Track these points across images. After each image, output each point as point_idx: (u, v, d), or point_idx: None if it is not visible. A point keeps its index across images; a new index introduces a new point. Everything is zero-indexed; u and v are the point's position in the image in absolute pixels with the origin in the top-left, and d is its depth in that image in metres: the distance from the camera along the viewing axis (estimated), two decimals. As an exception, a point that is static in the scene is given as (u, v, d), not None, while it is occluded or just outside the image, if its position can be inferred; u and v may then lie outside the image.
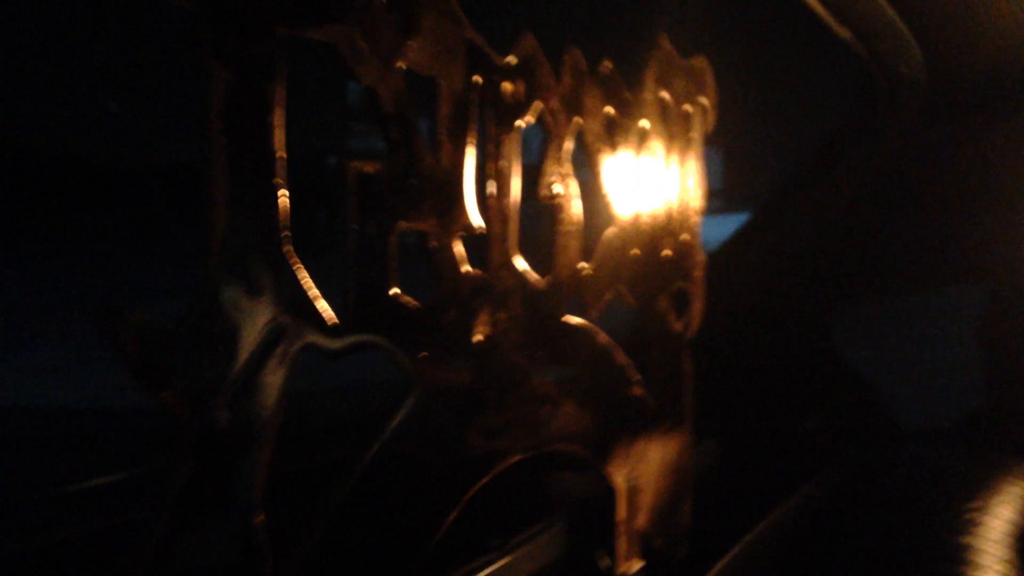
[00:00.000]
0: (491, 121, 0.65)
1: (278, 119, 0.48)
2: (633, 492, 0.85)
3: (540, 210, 0.73)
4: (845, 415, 1.73)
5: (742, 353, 1.66)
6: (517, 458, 0.70)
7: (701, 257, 0.94)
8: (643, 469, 0.86)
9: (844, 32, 1.14)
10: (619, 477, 0.83)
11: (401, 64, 0.56)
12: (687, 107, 0.89)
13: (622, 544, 0.84)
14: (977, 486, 1.27)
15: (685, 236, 0.90)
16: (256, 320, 0.48)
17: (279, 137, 0.48)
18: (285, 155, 0.49)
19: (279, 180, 0.48)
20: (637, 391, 0.84)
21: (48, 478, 1.06)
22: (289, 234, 0.49)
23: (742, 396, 1.64)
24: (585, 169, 0.78)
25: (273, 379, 0.49)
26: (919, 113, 1.32)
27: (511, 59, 0.66)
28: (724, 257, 1.60)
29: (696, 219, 0.93)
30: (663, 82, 0.85)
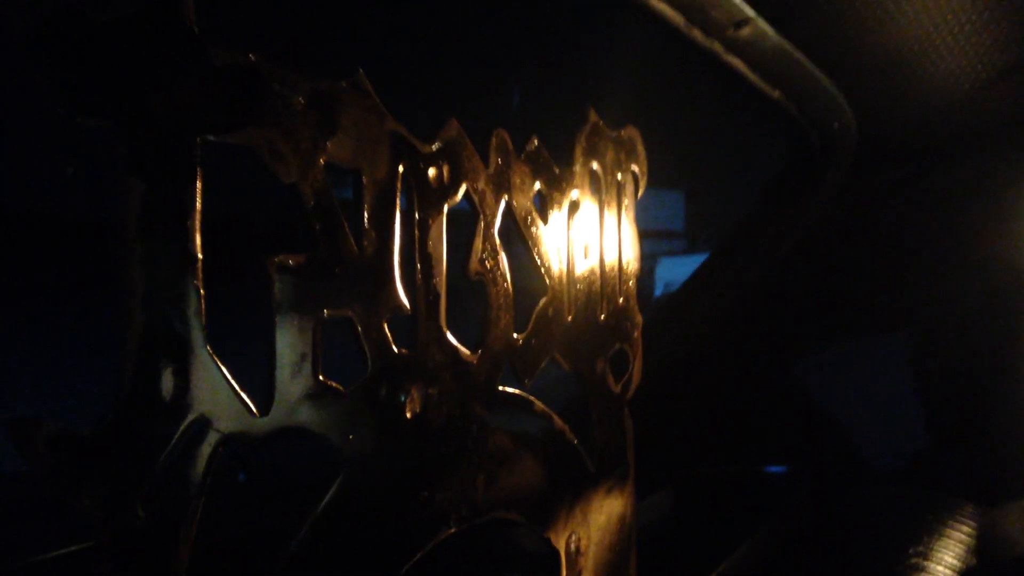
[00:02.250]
0: (416, 205, 0.67)
1: (196, 222, 0.50)
2: (575, 554, 0.86)
3: (472, 285, 0.76)
4: (804, 456, 1.76)
5: (700, 396, 1.69)
6: (453, 531, 0.71)
7: (639, 319, 0.97)
8: (585, 531, 0.87)
9: (775, 93, 1.19)
10: (560, 541, 0.84)
11: (322, 160, 0.59)
12: (619, 175, 0.93)
13: (566, 607, 0.85)
14: (923, 530, 1.30)
15: (621, 300, 0.93)
16: (175, 419, 0.49)
17: (196, 240, 0.50)
18: (201, 256, 0.50)
19: (197, 283, 0.50)
20: (576, 455, 0.86)
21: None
22: (205, 333, 0.51)
23: (699, 441, 1.66)
24: (517, 241, 0.81)
25: (193, 475, 0.50)
26: (852, 166, 1.37)
27: (435, 145, 0.69)
28: (679, 301, 1.63)
29: (632, 282, 0.96)
30: (592, 153, 0.89)
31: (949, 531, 1.36)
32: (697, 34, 0.99)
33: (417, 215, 0.67)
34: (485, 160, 0.74)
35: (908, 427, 1.81)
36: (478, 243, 0.74)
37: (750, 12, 0.97)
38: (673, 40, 1.01)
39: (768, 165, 1.53)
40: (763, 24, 1.00)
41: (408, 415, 0.67)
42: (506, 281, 0.76)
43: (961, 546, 1.28)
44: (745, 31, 1.01)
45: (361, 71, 0.62)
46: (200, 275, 0.50)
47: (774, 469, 1.64)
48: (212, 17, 0.54)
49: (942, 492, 1.55)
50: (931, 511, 1.44)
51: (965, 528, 1.40)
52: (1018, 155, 1.40)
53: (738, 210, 1.63)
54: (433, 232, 0.69)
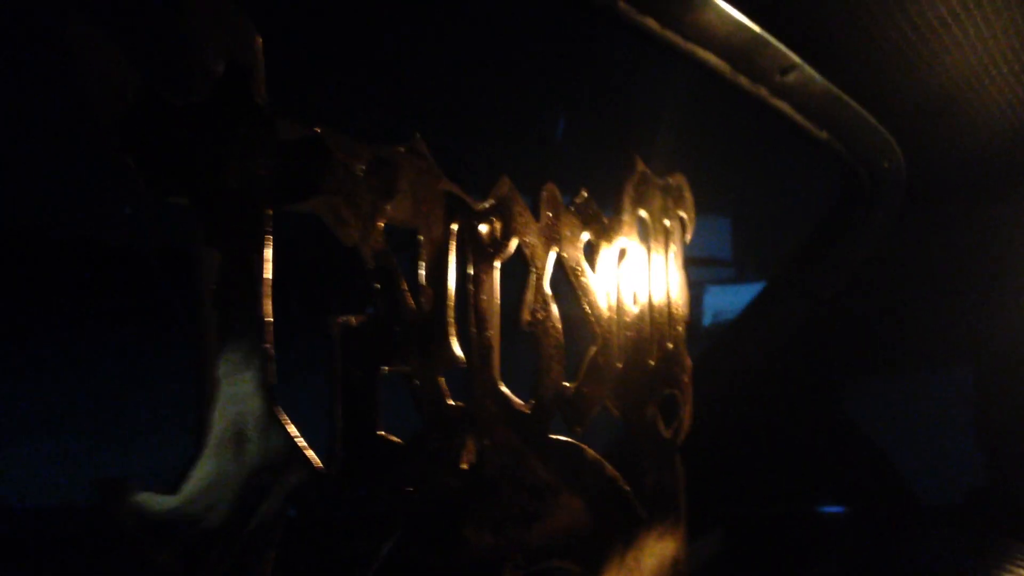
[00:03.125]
0: (470, 261, 0.70)
1: (266, 288, 0.53)
2: (628, 601, 0.86)
3: (525, 336, 0.78)
4: (859, 496, 1.73)
5: (753, 434, 1.67)
6: (507, 578, 0.73)
7: (688, 363, 0.97)
8: (637, 577, 0.88)
9: (823, 134, 1.19)
10: (613, 587, 0.85)
11: (382, 222, 0.61)
12: (666, 222, 0.94)
13: (619, 654, 0.85)
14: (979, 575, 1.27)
15: (670, 344, 0.94)
16: (248, 477, 0.52)
17: (267, 305, 0.53)
18: (271, 319, 0.53)
19: (267, 346, 0.53)
20: (628, 502, 0.86)
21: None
22: (274, 392, 0.53)
23: (753, 480, 1.64)
24: (568, 291, 0.83)
25: (263, 529, 0.52)
26: (902, 202, 1.36)
27: (487, 202, 0.71)
28: (731, 337, 1.63)
29: (681, 327, 0.96)
30: (640, 202, 0.90)
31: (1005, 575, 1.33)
32: (743, 80, 1.01)
33: (471, 271, 0.70)
34: (536, 214, 0.76)
35: (965, 466, 1.77)
36: (529, 295, 0.76)
37: (796, 59, 0.98)
38: (719, 86, 1.02)
39: (817, 192, 1.52)
40: (809, 70, 1.01)
41: (464, 466, 0.68)
42: (557, 331, 0.78)
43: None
44: (791, 76, 1.02)
45: (418, 135, 0.65)
46: (271, 337, 0.53)
47: (829, 509, 1.61)
48: (278, 90, 0.57)
49: (998, 534, 1.51)
50: (987, 555, 1.41)
51: (1022, 572, 1.37)
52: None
53: (787, 238, 1.63)
54: (486, 287, 0.71)
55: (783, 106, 1.09)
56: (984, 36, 1.03)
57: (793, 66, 0.99)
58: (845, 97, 1.08)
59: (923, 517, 1.74)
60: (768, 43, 0.93)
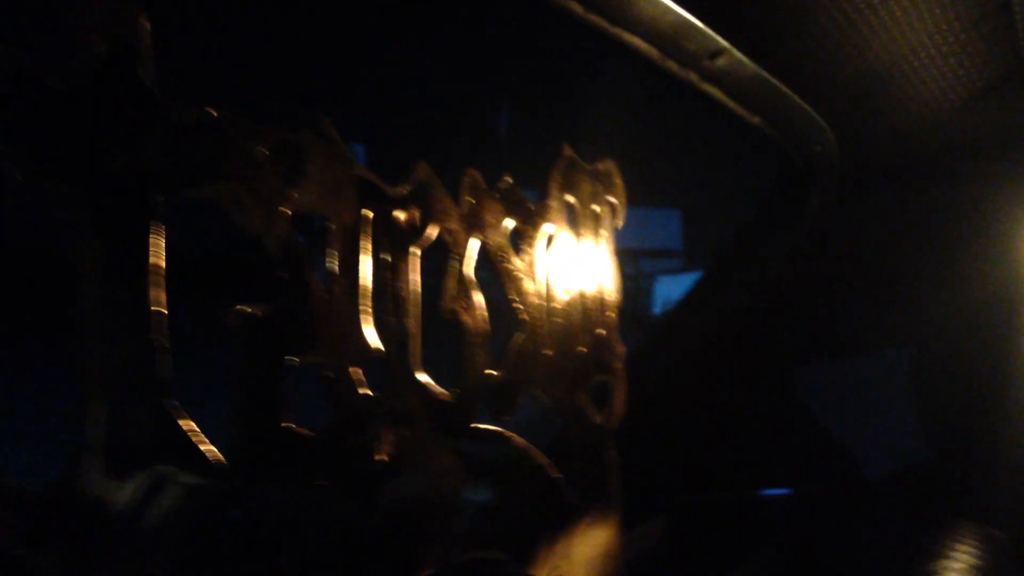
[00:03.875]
0: (386, 248, 0.68)
1: (156, 277, 0.51)
2: (560, 589, 0.86)
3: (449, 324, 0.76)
4: (803, 479, 1.75)
5: (695, 420, 1.68)
6: (431, 572, 0.72)
7: (621, 349, 0.97)
8: (568, 565, 0.87)
9: (755, 119, 1.20)
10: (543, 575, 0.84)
11: (287, 209, 0.60)
12: (596, 208, 0.93)
13: (551, 642, 0.85)
14: (924, 553, 1.29)
15: (601, 331, 0.94)
16: (139, 476, 0.50)
17: (159, 295, 0.51)
18: (165, 312, 0.51)
19: (159, 337, 0.51)
20: (558, 489, 0.86)
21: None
22: (170, 387, 0.51)
23: (696, 467, 1.65)
24: (494, 279, 0.82)
25: (160, 532, 0.51)
26: (838, 187, 1.38)
27: (403, 188, 0.70)
28: (671, 324, 1.63)
29: (613, 313, 0.96)
30: (568, 187, 0.89)
31: (950, 553, 1.35)
32: (672, 65, 1.00)
33: (388, 258, 0.68)
34: (457, 200, 0.75)
35: (909, 445, 1.80)
36: (451, 283, 0.75)
37: (724, 43, 0.98)
38: (650, 71, 1.02)
39: (764, 184, 1.53)
40: (738, 54, 1.01)
41: (381, 458, 0.67)
42: (481, 319, 0.77)
43: (962, 568, 1.27)
44: (720, 61, 1.01)
45: (325, 118, 0.63)
46: (164, 329, 0.51)
47: (773, 492, 1.63)
48: (175, 74, 0.55)
49: (944, 512, 1.54)
50: (932, 533, 1.43)
51: (966, 549, 1.39)
52: (1001, 173, 1.40)
53: (734, 228, 1.64)
54: (403, 274, 0.69)
55: (714, 91, 1.09)
56: (911, 19, 1.04)
57: (722, 51, 0.99)
58: (775, 81, 1.09)
59: (869, 498, 1.76)
60: (695, 27, 0.93)
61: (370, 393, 0.66)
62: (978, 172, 1.48)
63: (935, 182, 1.49)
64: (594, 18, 0.85)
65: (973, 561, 1.37)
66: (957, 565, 1.36)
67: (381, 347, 0.67)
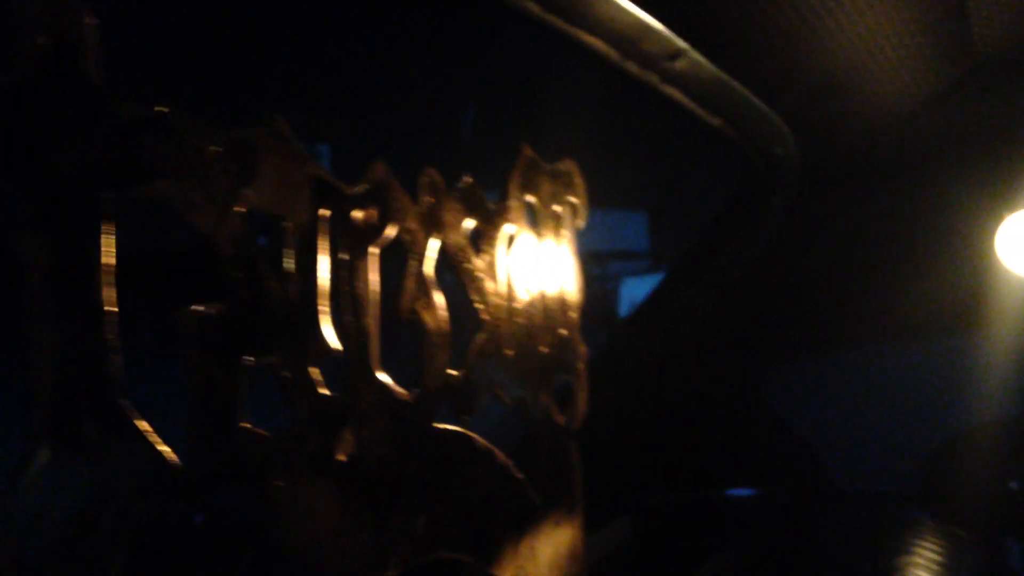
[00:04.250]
0: (344, 248, 0.68)
1: (106, 276, 0.50)
2: (524, 590, 0.86)
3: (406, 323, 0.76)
4: (770, 479, 1.77)
5: (661, 420, 1.69)
6: (393, 573, 0.71)
7: (583, 350, 0.97)
8: (533, 566, 0.87)
9: (716, 121, 1.21)
10: (507, 576, 0.84)
11: (241, 208, 0.59)
12: (556, 208, 0.94)
13: (516, 643, 0.85)
14: (889, 551, 1.31)
15: (563, 331, 0.94)
16: (90, 477, 0.49)
17: (108, 294, 0.50)
18: (115, 310, 0.50)
19: (112, 336, 0.50)
20: (520, 489, 0.86)
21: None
22: (122, 386, 0.51)
23: (662, 467, 1.66)
24: (453, 279, 0.81)
25: (112, 534, 0.50)
26: (800, 188, 1.40)
27: (360, 187, 0.69)
28: (637, 324, 1.64)
29: (575, 313, 0.96)
30: (528, 187, 0.90)
31: (917, 551, 1.37)
32: (632, 66, 1.01)
33: (345, 257, 0.68)
34: (416, 200, 0.75)
35: (876, 445, 1.83)
36: (410, 283, 0.74)
37: (683, 44, 0.99)
38: (610, 73, 1.02)
39: (727, 185, 1.55)
40: (696, 55, 1.02)
41: (340, 458, 0.66)
42: (441, 319, 0.77)
43: (929, 566, 1.29)
44: (680, 63, 1.02)
45: (279, 117, 0.63)
46: (114, 328, 0.50)
47: (738, 493, 1.64)
48: (125, 72, 0.55)
49: (910, 511, 1.56)
50: (898, 531, 1.45)
51: (932, 547, 1.41)
52: (963, 173, 1.43)
53: (698, 229, 1.65)
54: (361, 273, 0.69)
55: (675, 93, 1.10)
56: (868, 21, 1.06)
57: (681, 52, 1.00)
58: (734, 83, 1.10)
59: (834, 498, 1.78)
60: (654, 29, 0.94)
61: (328, 393, 0.66)
62: (940, 172, 1.51)
63: (898, 182, 1.52)
64: (551, 18, 0.86)
65: (937, 559, 1.38)
66: (920, 562, 1.37)
67: (340, 347, 0.67)
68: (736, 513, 1.61)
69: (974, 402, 1.65)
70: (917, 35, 1.13)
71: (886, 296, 1.66)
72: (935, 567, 1.37)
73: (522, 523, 0.86)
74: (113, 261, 0.51)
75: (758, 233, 1.45)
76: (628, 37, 0.95)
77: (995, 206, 1.46)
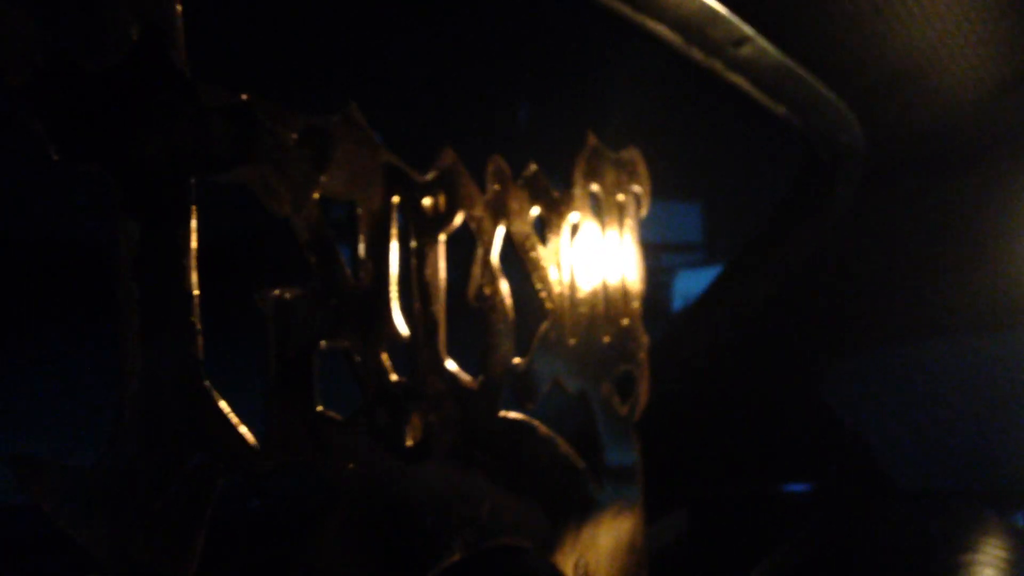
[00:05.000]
0: (413, 234, 0.68)
1: (191, 260, 0.51)
2: (585, 578, 0.86)
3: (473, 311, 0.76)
4: (835, 475, 1.74)
5: (718, 414, 1.67)
6: (457, 557, 0.72)
7: (645, 340, 0.97)
8: (593, 555, 0.87)
9: (780, 109, 1.19)
10: (568, 565, 0.84)
11: (316, 194, 0.60)
12: (620, 197, 0.93)
13: (576, 631, 0.85)
14: (958, 550, 1.28)
15: (625, 321, 0.93)
16: (174, 454, 0.50)
17: (192, 278, 0.51)
18: (197, 293, 0.52)
19: (194, 319, 0.51)
20: (582, 478, 0.86)
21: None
22: (203, 368, 0.52)
23: (719, 460, 1.65)
24: (518, 267, 0.82)
25: (194, 510, 0.51)
26: (864, 177, 1.37)
27: (430, 175, 0.70)
28: (694, 317, 1.63)
29: (637, 303, 0.96)
30: (593, 176, 0.89)
31: (982, 548, 1.34)
32: (696, 53, 1.00)
33: (414, 244, 0.68)
34: (482, 187, 0.75)
35: (936, 440, 1.79)
36: (476, 270, 0.75)
37: (749, 30, 0.97)
38: (673, 60, 1.01)
39: (787, 175, 1.52)
40: (763, 42, 1.00)
41: (409, 443, 0.67)
42: (506, 306, 0.77)
43: (995, 564, 1.25)
44: (745, 49, 1.01)
45: (354, 104, 0.64)
46: (197, 312, 0.52)
47: (795, 488, 1.62)
48: (206, 58, 0.56)
49: (975, 508, 1.52)
50: (962, 529, 1.41)
51: (998, 544, 1.38)
52: (1021, 165, 1.38)
53: (757, 221, 1.63)
54: (430, 260, 0.70)
55: (739, 80, 1.08)
56: (939, 7, 1.03)
57: (746, 38, 0.98)
58: (800, 70, 1.08)
59: (894, 494, 1.75)
60: (719, 14, 0.92)
61: (398, 378, 0.66)
62: (1003, 162, 1.47)
63: (961, 172, 1.48)
64: (618, 5, 0.85)
65: (1002, 555, 1.35)
66: (986, 560, 1.34)
67: (408, 333, 0.67)
68: (793, 509, 1.59)
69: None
70: (988, 22, 1.09)
71: (948, 289, 1.62)
72: (1002, 564, 1.33)
73: (583, 513, 0.86)
74: (195, 245, 0.52)
75: (820, 224, 1.42)
76: (693, 23, 0.93)
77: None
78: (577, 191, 0.87)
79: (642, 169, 0.96)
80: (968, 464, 1.73)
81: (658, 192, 1.02)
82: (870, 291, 1.59)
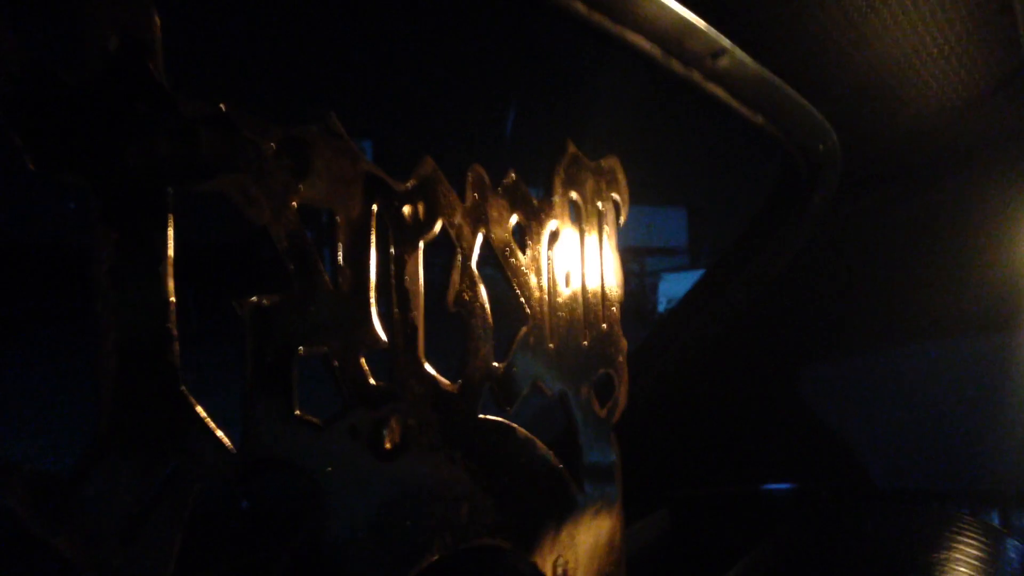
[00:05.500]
0: (393, 242, 0.69)
1: (168, 268, 0.53)
2: (562, 579, 0.87)
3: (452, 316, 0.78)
4: (807, 474, 1.76)
5: (700, 415, 1.69)
6: (436, 558, 0.73)
7: (623, 344, 0.98)
8: (572, 554, 0.88)
9: (758, 119, 1.21)
10: (547, 564, 0.85)
11: (295, 202, 0.61)
12: (599, 204, 0.95)
13: (554, 632, 0.86)
14: (929, 548, 1.30)
15: (604, 325, 0.95)
16: (151, 458, 0.51)
17: (169, 285, 0.52)
18: (173, 300, 0.53)
19: (170, 325, 0.52)
20: (561, 479, 0.87)
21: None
22: (180, 373, 0.53)
23: (700, 460, 1.66)
24: (498, 273, 0.83)
25: (171, 512, 0.52)
26: (841, 185, 1.39)
27: (409, 183, 0.71)
28: (676, 320, 1.64)
29: (616, 308, 0.97)
30: (571, 184, 0.91)
31: (956, 547, 1.36)
32: (675, 64, 1.01)
33: (393, 251, 0.69)
34: (462, 195, 0.76)
35: (914, 444, 1.81)
36: (455, 277, 0.76)
37: (726, 43, 0.99)
38: (652, 71, 1.03)
39: (768, 182, 1.54)
40: (740, 53, 1.02)
41: (387, 446, 0.68)
42: (485, 312, 0.78)
43: (969, 561, 1.27)
44: (723, 61, 1.02)
45: (333, 114, 0.65)
46: (173, 318, 0.53)
47: (775, 487, 1.64)
48: (185, 69, 0.57)
49: (949, 508, 1.54)
50: (938, 527, 1.43)
51: (971, 543, 1.40)
52: (1003, 172, 1.41)
53: (740, 226, 1.64)
54: (409, 267, 0.71)
55: (718, 91, 1.10)
56: (913, 19, 1.05)
57: (724, 50, 1.00)
58: (778, 81, 1.10)
59: (872, 493, 1.77)
60: (697, 27, 0.94)
61: (376, 382, 0.67)
62: (981, 171, 1.49)
63: (939, 180, 1.50)
64: (597, 17, 0.87)
65: (976, 554, 1.37)
66: (960, 557, 1.36)
67: (387, 338, 0.68)
68: (772, 508, 1.61)
69: (1014, 399, 1.63)
70: (962, 35, 1.11)
71: (925, 295, 1.64)
72: (975, 562, 1.35)
73: (562, 513, 0.87)
74: (173, 253, 0.53)
75: (798, 230, 1.44)
76: (672, 35, 0.95)
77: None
78: (556, 199, 0.88)
79: (621, 177, 0.98)
80: (944, 465, 1.75)
81: (640, 199, 1.03)
82: (848, 296, 1.61)
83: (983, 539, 1.40)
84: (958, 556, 1.35)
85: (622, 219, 0.99)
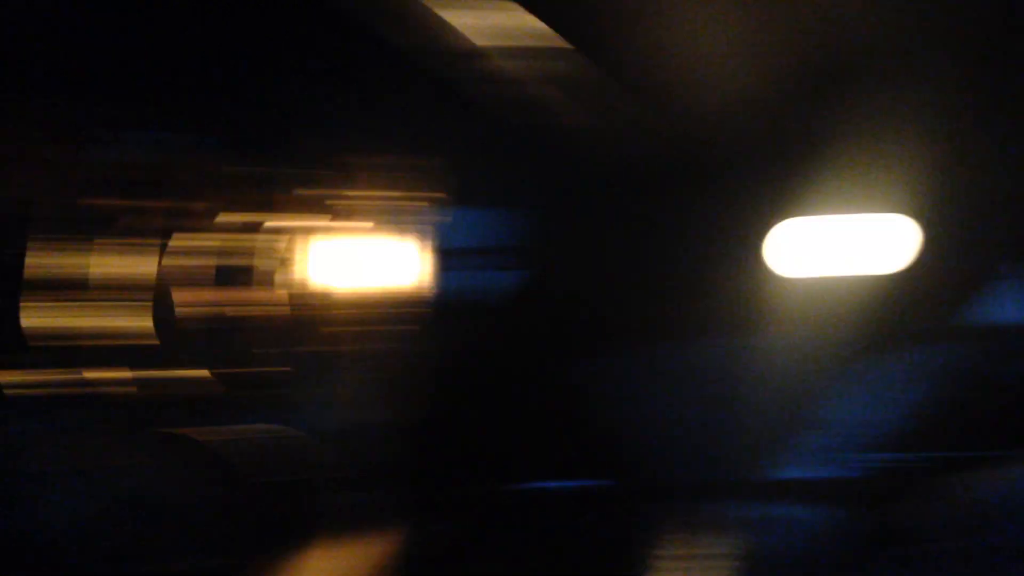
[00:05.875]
0: (156, 238, 0.62)
1: None
2: None
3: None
4: (577, 470, 1.78)
5: (476, 412, 1.66)
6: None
7: (396, 341, 0.95)
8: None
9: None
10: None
11: None
12: (399, 202, 0.90)
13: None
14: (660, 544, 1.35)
15: (377, 325, 0.91)
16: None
17: None
18: None
19: None
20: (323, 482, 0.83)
21: None
22: None
23: (479, 458, 1.65)
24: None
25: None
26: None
27: (173, 178, 0.63)
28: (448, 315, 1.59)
29: (390, 306, 0.94)
30: (372, 183, 0.86)
31: (690, 542, 1.41)
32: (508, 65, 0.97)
33: (158, 249, 0.62)
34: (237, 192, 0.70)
35: (673, 438, 1.85)
36: (223, 275, 0.69)
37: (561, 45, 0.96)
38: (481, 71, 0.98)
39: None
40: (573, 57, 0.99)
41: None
42: (251, 311, 0.73)
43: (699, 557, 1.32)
44: (556, 63, 1.00)
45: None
46: None
47: (549, 485, 1.65)
48: None
49: (693, 501, 1.59)
50: (677, 521, 1.48)
51: (706, 537, 1.45)
52: (737, 185, 1.48)
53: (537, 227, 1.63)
54: (171, 264, 0.63)
55: (549, 92, 1.07)
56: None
57: (558, 54, 0.98)
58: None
59: (632, 492, 1.81)
60: (530, 28, 0.90)
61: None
62: (720, 181, 1.55)
63: (684, 187, 1.55)
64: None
65: (707, 549, 1.42)
66: (690, 553, 1.40)
67: (142, 338, 0.61)
68: (549, 505, 1.62)
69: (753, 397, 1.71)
70: (731, 51, 1.15)
71: (670, 296, 1.69)
72: (705, 557, 1.40)
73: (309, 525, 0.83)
74: None
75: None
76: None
77: (767, 214, 1.52)
78: (350, 196, 0.83)
79: (425, 177, 0.93)
80: (697, 458, 1.81)
81: (450, 199, 0.99)
82: (607, 295, 1.64)
83: (712, 532, 1.46)
84: (691, 552, 1.40)
85: (427, 218, 0.94)
